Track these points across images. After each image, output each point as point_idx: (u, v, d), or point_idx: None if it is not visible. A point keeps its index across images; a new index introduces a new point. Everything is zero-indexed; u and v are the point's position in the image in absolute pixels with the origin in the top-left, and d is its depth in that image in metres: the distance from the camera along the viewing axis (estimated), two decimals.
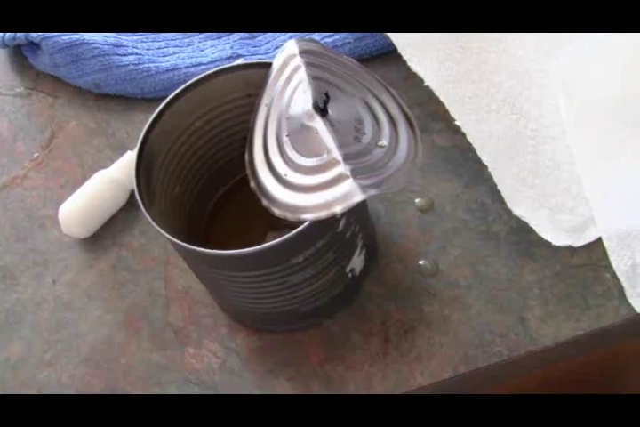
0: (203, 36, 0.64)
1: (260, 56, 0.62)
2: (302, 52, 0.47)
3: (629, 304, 0.48)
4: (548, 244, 0.50)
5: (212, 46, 0.63)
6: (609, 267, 0.49)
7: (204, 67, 0.61)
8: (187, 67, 0.61)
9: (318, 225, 0.41)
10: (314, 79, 0.45)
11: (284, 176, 0.43)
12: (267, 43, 0.63)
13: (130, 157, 0.57)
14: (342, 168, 0.41)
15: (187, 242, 0.49)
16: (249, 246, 0.50)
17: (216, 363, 0.50)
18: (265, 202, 0.43)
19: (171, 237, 0.42)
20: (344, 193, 0.40)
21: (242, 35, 0.64)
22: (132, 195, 0.57)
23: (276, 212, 0.43)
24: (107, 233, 0.57)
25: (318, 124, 0.43)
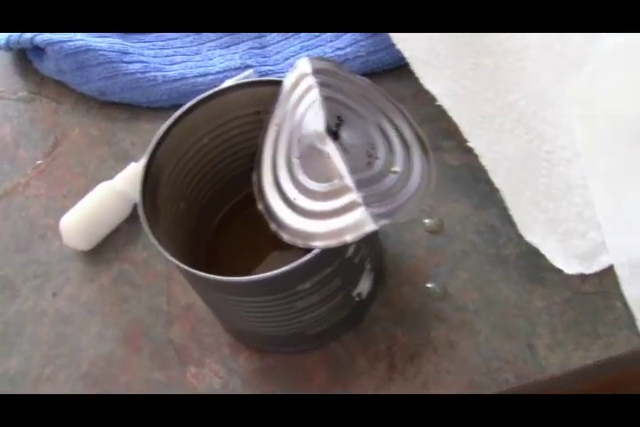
0: (211, 44, 0.63)
1: (269, 67, 0.61)
2: (315, 72, 0.46)
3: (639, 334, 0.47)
4: (558, 269, 0.49)
5: (220, 56, 0.62)
6: (620, 295, 0.49)
7: (211, 77, 0.60)
8: (194, 76, 0.60)
9: (327, 252, 0.40)
10: (326, 100, 0.44)
11: (293, 200, 0.42)
12: (276, 53, 0.62)
13: (134, 168, 0.56)
14: (354, 195, 0.40)
15: (190, 260, 0.48)
16: (253, 266, 0.50)
17: (218, 384, 0.49)
18: (273, 226, 0.43)
19: (174, 260, 0.41)
20: (355, 222, 0.39)
21: (251, 44, 0.63)
22: (135, 207, 0.56)
23: (285, 237, 0.42)
24: (109, 246, 0.56)
25: (330, 147, 0.42)
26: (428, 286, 0.51)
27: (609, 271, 0.49)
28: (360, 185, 0.40)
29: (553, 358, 0.47)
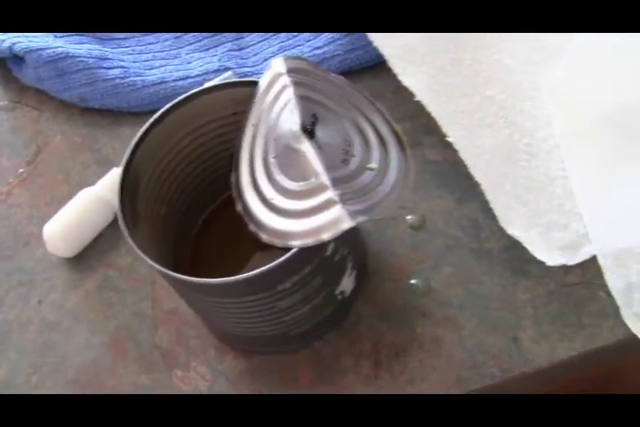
0: (190, 48, 0.63)
1: (248, 68, 0.61)
2: (290, 71, 0.46)
3: (624, 324, 0.47)
4: (541, 261, 0.49)
5: (199, 59, 0.62)
6: (604, 285, 0.49)
7: (191, 80, 0.60)
8: (174, 80, 0.60)
9: (306, 251, 0.40)
10: (301, 99, 0.44)
11: (270, 200, 0.42)
12: (254, 55, 0.62)
13: (115, 174, 0.56)
14: (330, 193, 0.40)
15: (173, 264, 0.48)
16: (237, 267, 0.50)
17: (204, 386, 0.49)
18: (252, 227, 0.43)
19: (154, 264, 0.41)
20: (332, 219, 0.39)
21: (229, 46, 0.63)
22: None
23: (264, 237, 0.42)
24: (93, 252, 0.56)
25: (306, 146, 0.42)
26: (412, 282, 0.51)
27: (592, 262, 0.49)
28: (336, 183, 0.40)
29: (538, 351, 0.47)
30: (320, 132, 0.43)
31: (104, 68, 0.61)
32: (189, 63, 0.62)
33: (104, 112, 0.62)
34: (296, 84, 0.45)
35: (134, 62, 0.62)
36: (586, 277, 0.49)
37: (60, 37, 0.63)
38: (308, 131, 0.43)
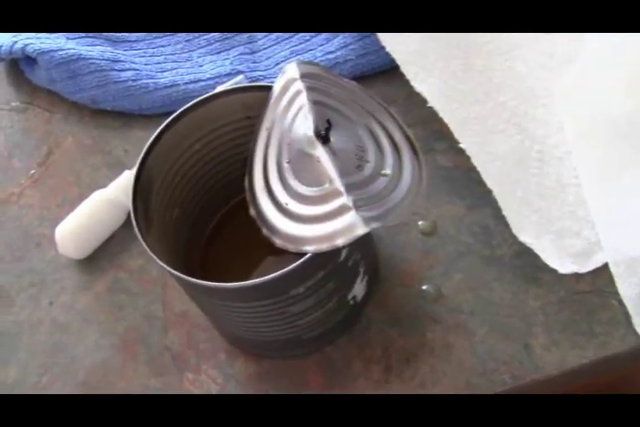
0: (202, 51, 0.63)
1: (260, 72, 0.61)
2: (303, 76, 0.46)
3: (636, 332, 0.47)
4: (553, 269, 0.49)
5: (211, 62, 0.62)
6: (615, 293, 0.49)
7: (203, 83, 0.60)
8: (185, 83, 0.60)
9: (319, 256, 0.40)
10: (315, 104, 0.44)
11: (284, 205, 0.42)
12: (267, 59, 0.62)
13: (127, 176, 0.57)
14: (345, 199, 0.40)
15: (184, 266, 0.48)
16: (248, 271, 0.50)
17: (214, 389, 0.49)
18: (265, 231, 0.43)
19: (167, 268, 0.41)
20: (346, 225, 0.39)
21: (241, 50, 0.63)
22: (130, 214, 0.56)
23: (277, 242, 0.42)
24: (104, 254, 0.56)
25: (320, 152, 0.42)
26: (423, 288, 0.51)
27: (603, 270, 0.49)
28: (350, 189, 0.40)
29: (549, 358, 0.47)
30: (334, 137, 0.43)
31: (116, 70, 0.61)
32: (201, 66, 0.62)
33: (115, 114, 0.62)
34: (310, 89, 0.45)
35: (146, 65, 0.62)
36: (597, 285, 0.49)
37: (73, 39, 0.63)
38: (322, 136, 0.43)
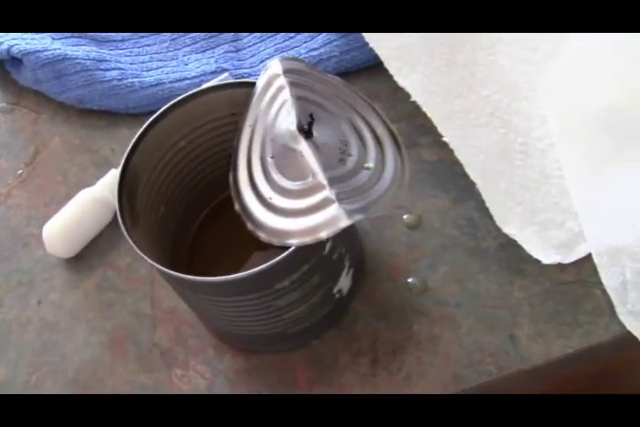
0: (187, 49, 0.64)
1: (245, 70, 0.61)
2: (286, 72, 0.46)
3: (620, 321, 0.48)
4: (537, 260, 0.50)
5: (196, 60, 0.63)
6: (599, 283, 0.49)
7: (188, 81, 0.61)
8: (171, 82, 0.61)
9: (304, 250, 0.41)
10: (298, 100, 0.44)
11: (268, 199, 0.43)
12: (251, 56, 0.62)
13: (114, 175, 0.57)
14: (328, 192, 0.40)
15: (171, 263, 0.48)
16: (235, 267, 0.50)
17: (203, 384, 0.50)
18: (250, 226, 0.43)
19: (154, 263, 0.42)
20: (330, 218, 0.40)
21: (226, 48, 0.63)
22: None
23: (262, 236, 0.42)
24: (92, 252, 0.56)
25: (303, 146, 0.42)
26: (409, 280, 0.51)
27: (587, 260, 0.50)
28: (333, 182, 0.41)
29: (535, 348, 0.48)
30: (317, 132, 0.43)
31: (101, 69, 0.61)
32: (186, 65, 0.62)
33: (102, 113, 0.62)
34: (293, 84, 0.45)
35: (132, 64, 0.63)
36: (581, 276, 0.50)
37: (58, 39, 0.63)
38: (305, 131, 0.43)
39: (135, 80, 0.61)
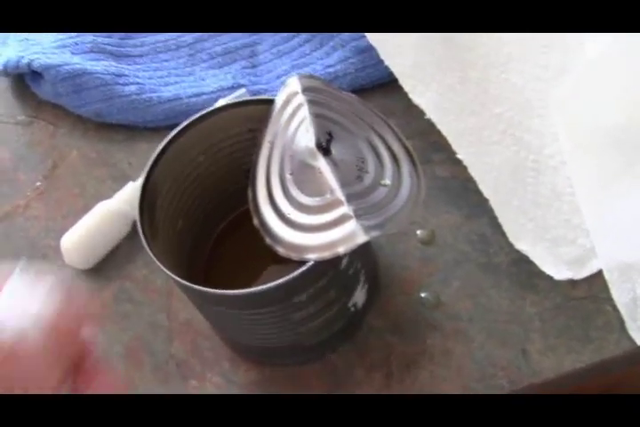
0: (204, 65, 0.65)
1: (262, 86, 0.62)
2: (305, 90, 0.47)
3: (630, 337, 0.48)
4: (549, 275, 0.51)
5: (213, 76, 0.64)
6: (610, 299, 0.50)
7: (205, 96, 0.62)
8: (188, 97, 0.62)
9: (321, 264, 0.41)
10: (316, 117, 0.45)
11: (287, 215, 0.43)
12: (268, 72, 0.63)
13: (132, 188, 0.58)
14: (346, 208, 0.41)
15: (188, 275, 0.49)
16: (251, 280, 0.51)
17: None
18: (268, 240, 0.44)
19: (173, 276, 0.42)
20: (347, 234, 0.41)
21: (243, 64, 0.64)
22: (134, 225, 0.57)
23: (280, 251, 0.43)
24: (110, 264, 0.57)
25: (321, 163, 0.43)
26: (422, 295, 0.52)
27: (598, 276, 0.51)
28: (351, 198, 0.42)
29: (546, 363, 0.48)
30: (335, 149, 0.44)
31: (120, 84, 0.62)
32: (204, 80, 0.64)
33: (119, 127, 0.63)
34: (311, 102, 0.46)
35: (150, 79, 0.64)
36: (592, 291, 0.51)
37: (77, 54, 0.64)
38: (324, 148, 0.44)
39: (153, 95, 0.62)
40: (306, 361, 0.50)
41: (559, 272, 0.50)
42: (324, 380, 0.50)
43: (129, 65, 0.65)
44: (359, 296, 0.48)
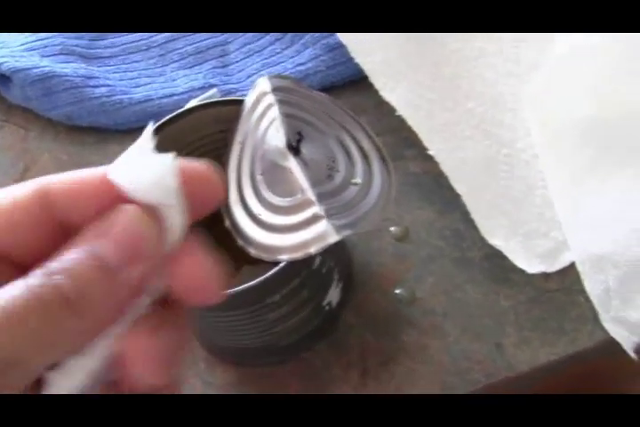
0: (175, 65, 0.65)
1: (233, 85, 0.62)
2: (275, 89, 0.47)
3: (603, 328, 0.49)
4: (522, 269, 0.51)
5: (184, 76, 0.63)
6: (583, 291, 0.50)
7: (176, 97, 0.61)
8: (159, 98, 0.61)
9: (294, 265, 0.41)
10: (287, 117, 0.45)
11: (258, 216, 0.43)
12: (239, 72, 0.63)
13: None
14: (316, 209, 0.41)
15: None
16: (225, 282, 0.51)
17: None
18: (240, 242, 0.44)
19: None
20: (319, 234, 0.41)
21: (214, 64, 0.64)
22: None
23: (252, 252, 0.43)
24: None
25: (292, 163, 0.43)
26: (397, 291, 0.52)
27: (571, 269, 0.51)
28: (322, 198, 0.42)
29: (521, 356, 0.49)
30: (305, 148, 0.44)
31: (90, 86, 0.62)
32: (174, 80, 0.63)
33: (91, 130, 0.63)
34: (281, 102, 0.46)
35: (120, 80, 0.64)
36: (565, 284, 0.51)
37: (47, 57, 0.64)
38: (294, 148, 0.44)
39: (124, 97, 0.62)
40: (282, 361, 0.50)
41: (532, 266, 0.51)
42: (301, 379, 0.50)
43: (99, 67, 0.65)
44: (333, 295, 0.48)
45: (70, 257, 0.24)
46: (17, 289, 0.23)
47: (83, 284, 0.24)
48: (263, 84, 0.48)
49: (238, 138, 0.48)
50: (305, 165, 0.43)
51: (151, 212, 0.26)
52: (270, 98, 0.47)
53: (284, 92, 0.47)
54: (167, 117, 0.48)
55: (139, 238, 0.26)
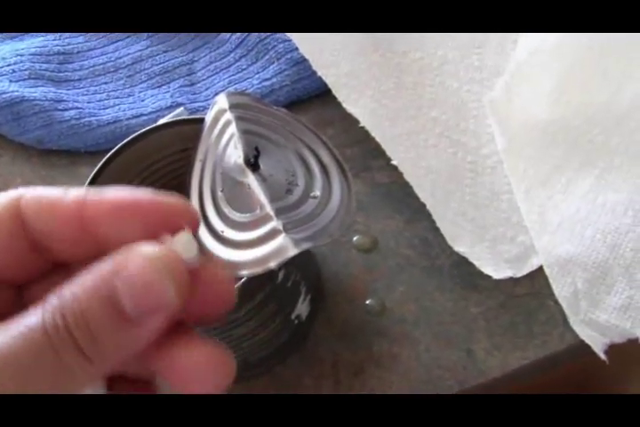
0: (143, 85, 0.65)
1: (200, 103, 0.63)
2: (232, 106, 0.47)
3: (573, 330, 0.49)
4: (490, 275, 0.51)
5: (152, 96, 0.64)
6: (552, 295, 0.50)
7: (145, 117, 0.62)
8: (128, 118, 0.62)
9: (256, 279, 0.42)
10: (244, 133, 0.46)
11: (220, 233, 0.44)
12: (206, 89, 0.64)
13: None
14: (275, 223, 0.41)
15: None
16: None
17: None
18: (202, 259, 0.44)
19: None
20: (278, 248, 0.41)
21: (181, 82, 0.64)
22: None
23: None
24: None
25: (250, 179, 0.44)
26: (367, 302, 0.52)
27: (540, 273, 0.51)
28: (280, 212, 0.42)
29: (492, 362, 0.49)
30: (263, 164, 0.45)
31: (59, 109, 0.63)
32: (143, 101, 0.64)
33: (62, 153, 0.63)
34: (239, 118, 0.47)
35: (89, 103, 0.64)
36: (535, 288, 0.51)
37: (15, 82, 0.64)
38: (252, 164, 0.44)
39: (93, 119, 0.62)
40: (254, 375, 0.50)
41: (499, 271, 0.51)
42: (274, 392, 0.50)
43: (68, 90, 0.65)
44: (302, 308, 0.49)
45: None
46: (30, 331, 0.24)
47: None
48: (221, 101, 0.48)
49: (199, 156, 0.48)
50: (263, 180, 0.44)
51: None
52: (228, 115, 0.47)
53: (242, 109, 0.48)
54: (131, 137, 0.49)
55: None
